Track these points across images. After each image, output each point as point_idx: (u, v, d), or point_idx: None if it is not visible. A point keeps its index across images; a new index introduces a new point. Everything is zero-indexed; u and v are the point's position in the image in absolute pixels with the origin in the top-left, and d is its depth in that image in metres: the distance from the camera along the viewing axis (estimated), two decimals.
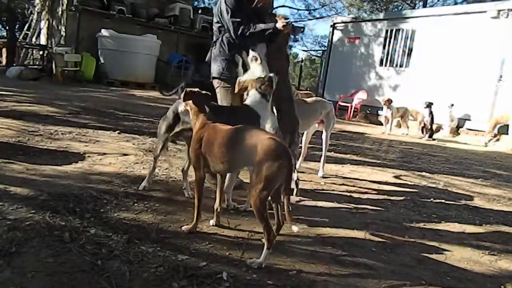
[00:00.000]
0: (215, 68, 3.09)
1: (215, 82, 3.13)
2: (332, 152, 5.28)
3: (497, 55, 9.54)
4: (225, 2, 2.88)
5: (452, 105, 9.50)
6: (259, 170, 1.91)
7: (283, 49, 3.14)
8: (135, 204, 2.55)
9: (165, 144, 2.83)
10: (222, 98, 3.10)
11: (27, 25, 15.18)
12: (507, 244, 2.65)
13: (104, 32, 11.77)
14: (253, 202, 1.93)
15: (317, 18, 23.85)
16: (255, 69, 2.76)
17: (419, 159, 5.92)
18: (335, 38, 14.23)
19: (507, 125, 8.77)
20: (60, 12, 12.79)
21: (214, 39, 3.14)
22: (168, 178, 3.24)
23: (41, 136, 4.10)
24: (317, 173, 3.99)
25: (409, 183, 4.23)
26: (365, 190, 3.67)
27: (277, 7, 20.53)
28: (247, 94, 2.70)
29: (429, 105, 8.95)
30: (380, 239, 2.47)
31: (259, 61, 2.77)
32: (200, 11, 14.82)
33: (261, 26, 2.82)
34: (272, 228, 1.97)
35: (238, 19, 2.85)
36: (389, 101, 9.16)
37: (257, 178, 1.90)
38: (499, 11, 9.58)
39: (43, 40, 14.04)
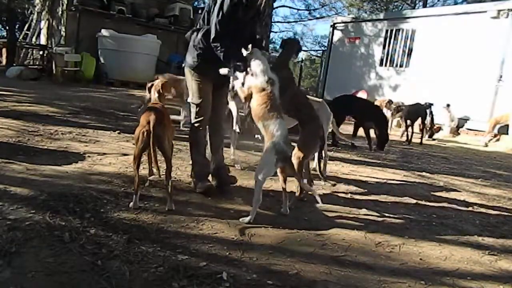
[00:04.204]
0: (190, 58, 2.96)
1: (187, 72, 3.00)
2: (332, 152, 5.28)
3: (497, 55, 9.54)
4: (222, 3, 2.69)
5: (448, 105, 9.47)
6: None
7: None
8: None
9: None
10: (193, 92, 2.98)
11: (27, 25, 15.18)
12: (507, 244, 2.65)
13: (104, 32, 11.76)
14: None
15: (317, 18, 23.85)
16: (256, 71, 2.61)
17: (419, 159, 5.92)
18: (335, 38, 14.23)
19: (507, 125, 8.77)
20: (60, 12, 12.79)
21: (198, 26, 2.96)
22: None
23: (41, 136, 4.10)
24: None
25: (409, 183, 4.23)
26: (365, 190, 3.67)
27: (277, 7, 20.56)
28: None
29: (429, 106, 8.92)
30: (380, 239, 2.46)
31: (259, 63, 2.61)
32: (200, 11, 14.80)
33: (229, 58, 2.69)
34: (137, 176, 2.53)
35: (221, 29, 2.68)
36: (389, 102, 9.15)
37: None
38: (499, 11, 9.60)
39: (43, 40, 14.04)
